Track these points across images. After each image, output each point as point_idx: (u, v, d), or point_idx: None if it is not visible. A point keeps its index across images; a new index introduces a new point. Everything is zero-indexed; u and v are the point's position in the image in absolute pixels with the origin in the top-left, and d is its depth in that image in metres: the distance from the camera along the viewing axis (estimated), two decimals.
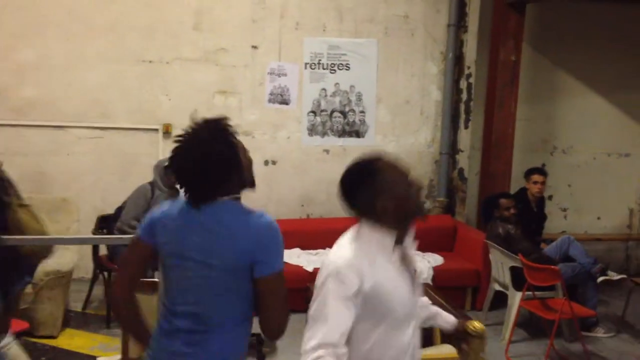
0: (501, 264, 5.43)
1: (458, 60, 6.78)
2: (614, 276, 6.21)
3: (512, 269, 5.27)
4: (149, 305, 3.02)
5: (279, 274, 2.06)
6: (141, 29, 6.28)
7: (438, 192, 6.95)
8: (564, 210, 7.59)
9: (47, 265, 4.99)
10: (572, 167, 7.57)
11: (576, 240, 5.87)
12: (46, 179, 6.28)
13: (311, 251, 6.15)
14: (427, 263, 6.01)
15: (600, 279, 5.83)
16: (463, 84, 6.79)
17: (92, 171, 6.36)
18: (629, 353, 5.26)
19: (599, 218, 7.70)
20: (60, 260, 5.10)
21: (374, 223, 1.95)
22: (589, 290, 5.50)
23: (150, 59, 6.33)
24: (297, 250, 6.12)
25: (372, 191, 1.93)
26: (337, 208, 6.94)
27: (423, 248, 6.37)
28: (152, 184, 5.48)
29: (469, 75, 6.77)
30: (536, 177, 6.11)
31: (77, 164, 6.34)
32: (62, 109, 6.26)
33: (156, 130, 6.39)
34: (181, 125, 6.41)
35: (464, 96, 6.80)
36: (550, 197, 7.33)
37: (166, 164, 5.49)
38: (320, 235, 5.88)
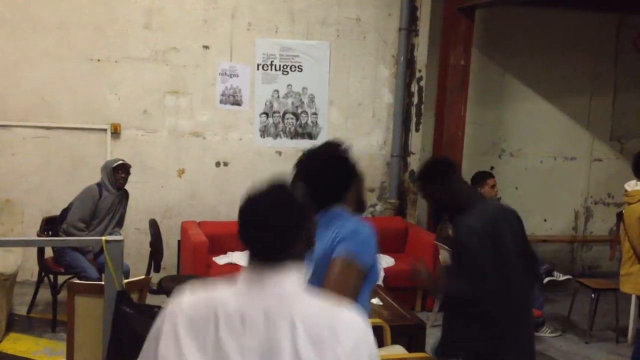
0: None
1: (409, 63, 6.86)
2: (560, 277, 6.36)
3: None
4: (95, 309, 2.98)
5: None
6: (90, 26, 6.15)
7: (389, 194, 7.01)
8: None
9: None
10: (519, 170, 7.73)
11: None
12: None
13: None
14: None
15: (546, 279, 5.96)
16: (414, 87, 6.86)
17: (37, 172, 6.20)
18: (575, 353, 5.39)
19: (545, 220, 7.88)
20: (3, 262, 4.96)
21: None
22: (535, 290, 5.62)
23: (98, 57, 6.21)
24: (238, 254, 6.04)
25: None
26: None
27: None
28: (99, 185, 5.39)
29: (420, 79, 6.85)
30: (492, 181, 6.21)
31: (22, 165, 6.17)
32: (6, 107, 6.09)
33: (104, 130, 6.27)
34: (131, 125, 6.38)
35: (415, 99, 6.88)
36: (498, 199, 7.45)
37: (115, 165, 5.41)
38: None
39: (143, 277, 3.43)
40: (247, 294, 1.58)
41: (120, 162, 5.44)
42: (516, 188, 7.70)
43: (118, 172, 5.38)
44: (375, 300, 4.63)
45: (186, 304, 1.61)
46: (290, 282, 1.59)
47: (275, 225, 1.61)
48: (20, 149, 6.16)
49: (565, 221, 7.98)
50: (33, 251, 5.60)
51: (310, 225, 1.70)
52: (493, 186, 6.18)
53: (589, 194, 8.00)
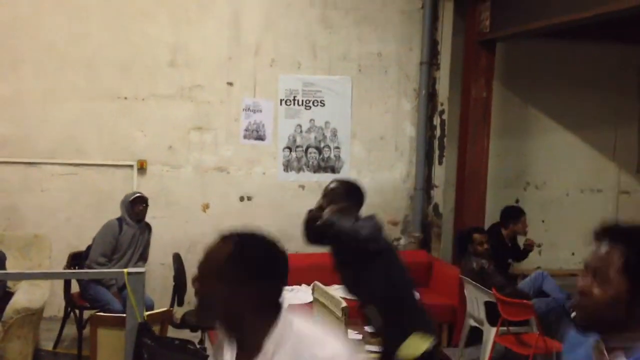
0: (476, 299, 5.43)
1: (431, 97, 6.89)
2: None
3: (487, 304, 5.27)
4: (118, 341, 3.00)
5: None
6: (117, 65, 6.30)
7: (413, 227, 6.98)
8: (539, 246, 7.63)
9: (17, 303, 4.91)
10: (545, 202, 7.66)
11: (550, 275, 5.92)
12: (19, 215, 6.21)
13: (287, 287, 6.09)
14: None
15: (574, 313, 5.85)
16: (436, 120, 6.88)
17: (65, 208, 6.30)
18: None
19: (573, 254, 7.76)
20: (30, 297, 5.01)
21: None
22: (563, 325, 5.52)
23: (125, 95, 6.34)
24: None
25: None
26: None
27: None
28: (119, 219, 5.47)
29: (442, 112, 6.87)
30: (525, 218, 6.19)
31: (51, 201, 6.28)
32: (35, 145, 6.23)
33: (131, 166, 6.37)
34: (156, 161, 6.48)
35: (438, 132, 6.89)
36: (525, 234, 7.39)
37: (132, 198, 5.50)
38: (296, 271, 5.81)
39: (165, 309, 3.45)
40: None
41: (138, 194, 5.54)
42: (542, 221, 7.62)
43: (136, 205, 5.47)
44: None
45: None
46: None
47: None
48: (48, 186, 6.28)
49: None
50: (60, 287, 5.67)
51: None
52: (524, 222, 6.17)
53: None
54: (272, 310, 1.69)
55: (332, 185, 3.48)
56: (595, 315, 1.62)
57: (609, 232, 1.67)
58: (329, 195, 3.42)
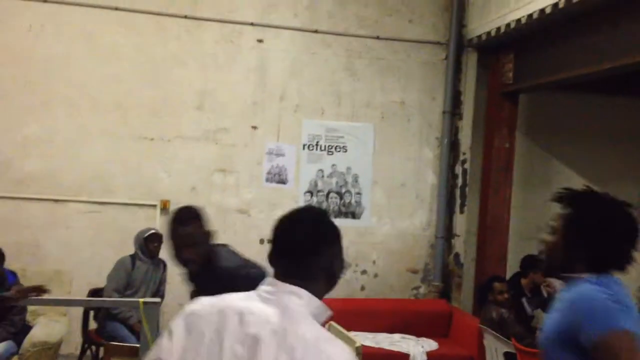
0: (495, 350, 5.34)
1: (453, 146, 6.93)
2: None
3: (506, 355, 5.18)
4: None
5: None
6: (146, 107, 6.46)
7: (433, 276, 6.93)
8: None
9: (35, 337, 4.96)
10: None
11: None
12: (42, 251, 6.30)
13: None
14: (420, 348, 5.92)
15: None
16: (458, 169, 6.90)
17: (88, 245, 6.38)
18: None
19: None
20: (48, 331, 5.06)
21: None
22: None
23: (152, 136, 6.48)
24: None
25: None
26: None
27: (417, 332, 6.29)
28: (132, 256, 5.53)
29: (464, 161, 6.90)
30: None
31: (75, 238, 6.37)
32: (62, 182, 6.35)
33: (154, 206, 6.46)
34: (179, 202, 6.55)
35: (459, 181, 6.90)
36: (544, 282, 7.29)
37: (146, 235, 5.56)
38: None
39: None
40: (251, 302, 1.66)
41: (152, 231, 5.60)
42: None
43: (150, 242, 5.53)
44: None
45: (197, 304, 1.71)
46: (298, 304, 1.64)
47: (292, 247, 1.72)
48: (73, 223, 6.37)
49: None
50: (78, 324, 5.71)
51: (334, 252, 1.76)
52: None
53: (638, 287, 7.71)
54: None
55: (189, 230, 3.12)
56: (549, 259, 2.33)
57: (563, 197, 2.38)
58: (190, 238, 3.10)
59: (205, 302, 1.71)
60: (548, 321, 2.30)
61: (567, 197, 2.35)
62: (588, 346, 2.07)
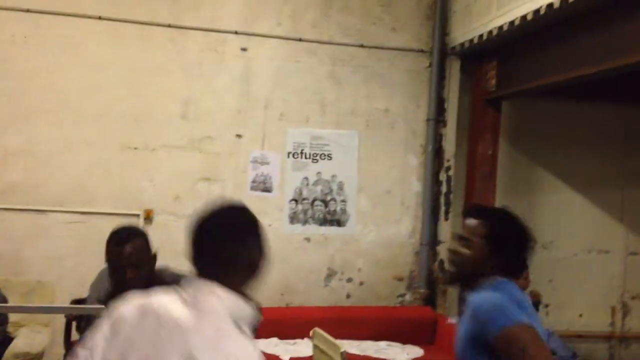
0: None
1: (437, 153, 6.96)
2: None
3: None
4: None
5: None
6: (129, 117, 6.43)
7: (419, 283, 6.93)
8: (546, 306, 7.54)
9: (16, 347, 4.90)
10: (552, 262, 7.58)
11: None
12: (25, 262, 6.21)
13: (289, 340, 6.05)
14: (406, 355, 5.92)
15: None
16: (443, 176, 6.93)
17: (71, 255, 6.31)
18: None
19: (581, 315, 7.65)
20: (30, 342, 5.01)
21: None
22: None
23: (135, 145, 6.44)
24: (274, 340, 6.02)
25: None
26: (316, 297, 6.88)
27: (403, 340, 6.30)
28: None
29: (449, 168, 6.93)
30: (526, 273, 6.12)
31: (57, 248, 6.30)
32: (45, 193, 6.29)
33: (137, 215, 6.42)
34: (163, 211, 6.51)
35: (444, 188, 6.93)
36: (526, 288, 7.31)
37: None
38: (299, 324, 5.81)
39: None
40: (168, 298, 1.73)
41: None
42: (550, 281, 7.54)
43: None
44: None
45: (123, 304, 1.79)
46: (216, 304, 1.67)
47: (208, 242, 1.79)
48: (56, 233, 6.30)
49: (602, 317, 7.72)
50: (60, 336, 5.60)
51: (252, 244, 1.82)
52: (526, 277, 6.10)
53: (625, 289, 7.77)
54: None
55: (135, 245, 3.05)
56: (463, 269, 2.51)
57: (474, 211, 2.61)
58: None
59: (130, 304, 1.76)
60: (460, 328, 2.42)
61: (484, 212, 2.63)
62: (494, 343, 2.18)
